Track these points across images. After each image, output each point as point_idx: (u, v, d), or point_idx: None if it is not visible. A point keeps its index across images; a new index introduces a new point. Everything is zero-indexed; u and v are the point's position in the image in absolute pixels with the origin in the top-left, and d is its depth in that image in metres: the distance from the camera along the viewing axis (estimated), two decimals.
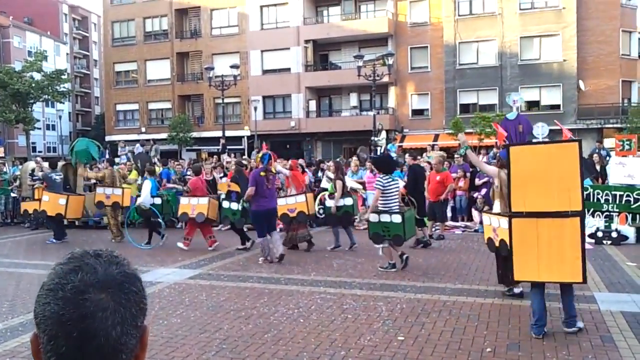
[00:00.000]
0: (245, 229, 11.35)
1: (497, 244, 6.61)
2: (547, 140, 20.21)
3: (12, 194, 16.44)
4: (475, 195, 13.87)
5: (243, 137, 36.13)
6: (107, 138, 39.50)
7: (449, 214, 14.29)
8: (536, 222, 5.46)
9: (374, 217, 8.80)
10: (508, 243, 5.80)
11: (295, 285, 7.81)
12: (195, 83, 39.15)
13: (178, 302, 6.97)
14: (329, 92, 37.07)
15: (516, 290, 7.02)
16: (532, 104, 32.42)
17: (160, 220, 11.96)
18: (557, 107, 31.58)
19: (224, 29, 38.32)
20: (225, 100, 29.72)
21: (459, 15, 32.97)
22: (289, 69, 36.35)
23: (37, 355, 0.94)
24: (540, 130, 24.05)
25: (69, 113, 64.24)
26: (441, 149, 23.25)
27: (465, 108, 33.16)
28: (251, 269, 9.14)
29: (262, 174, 9.62)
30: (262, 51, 36.79)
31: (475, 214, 13.74)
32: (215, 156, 20.78)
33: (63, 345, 0.88)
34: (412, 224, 9.16)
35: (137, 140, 26.33)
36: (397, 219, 8.59)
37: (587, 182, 12.79)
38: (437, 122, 33.79)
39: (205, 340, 5.49)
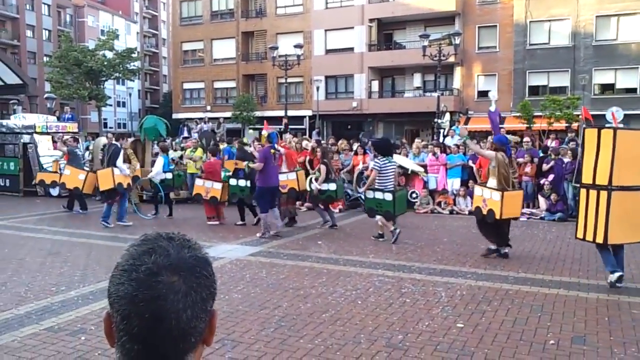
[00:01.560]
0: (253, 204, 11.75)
1: (484, 212, 8.29)
2: (622, 126, 19.32)
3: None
4: (542, 181, 13.40)
5: (305, 116, 36.26)
6: (174, 116, 40.55)
7: None
8: (628, 194, 6.55)
9: (369, 194, 9.88)
10: (496, 212, 8.07)
11: (353, 267, 7.83)
12: (259, 62, 39.52)
13: (239, 278, 7.13)
14: (392, 73, 36.54)
15: (502, 250, 8.36)
16: (607, 87, 30.84)
17: (162, 196, 12.66)
18: (633, 90, 29.93)
19: (289, 7, 38.34)
20: (288, 80, 29.87)
21: None
22: (352, 49, 36.04)
23: (110, 334, 0.96)
24: (616, 115, 22.94)
25: (139, 91, 66.49)
26: (508, 132, 22.50)
27: (534, 90, 31.91)
28: (310, 248, 9.22)
29: (272, 151, 10.27)
30: (325, 30, 36.62)
31: (542, 200, 13.29)
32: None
33: (135, 326, 0.90)
34: (402, 202, 10.15)
35: (202, 119, 26.95)
36: (388, 197, 9.61)
37: None
38: (504, 104, 32.61)
39: (264, 316, 5.60)
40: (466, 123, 31.93)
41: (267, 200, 10.11)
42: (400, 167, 14.29)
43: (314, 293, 6.46)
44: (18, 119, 18.98)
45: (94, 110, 48.78)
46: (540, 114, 26.82)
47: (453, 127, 20.98)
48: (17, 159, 17.20)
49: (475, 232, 10.65)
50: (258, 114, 37.58)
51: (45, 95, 28.90)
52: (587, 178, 6.76)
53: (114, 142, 12.38)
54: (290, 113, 30.74)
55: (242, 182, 11.51)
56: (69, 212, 13.50)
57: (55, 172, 14.41)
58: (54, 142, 16.55)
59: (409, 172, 14.31)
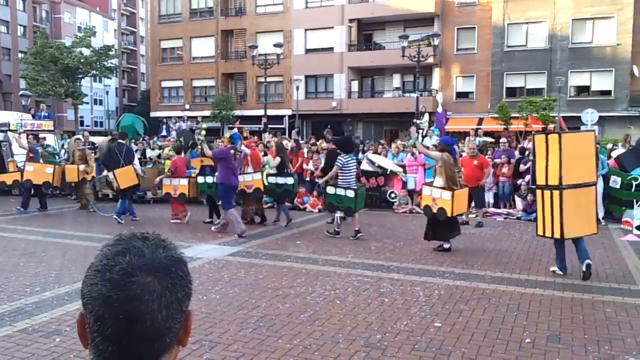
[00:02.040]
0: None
1: (435, 210, 8.83)
2: (591, 128, 19.67)
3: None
4: (519, 182, 13.57)
5: (284, 116, 36.22)
6: (152, 114, 40.16)
7: (491, 200, 14.05)
8: (578, 191, 7.20)
9: (330, 190, 10.21)
10: (447, 210, 8.65)
11: (332, 267, 7.83)
12: (238, 61, 39.35)
13: (217, 279, 7.09)
14: (371, 73, 36.69)
15: (445, 245, 8.88)
16: (582, 90, 31.35)
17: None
18: (607, 92, 30.48)
19: (269, 7, 38.25)
20: (268, 79, 29.77)
21: None
22: (332, 49, 36.10)
23: (84, 335, 0.95)
24: (590, 116, 23.30)
25: (116, 88, 65.67)
26: (485, 133, 22.74)
27: (511, 92, 32.32)
28: (289, 248, 9.21)
29: (232, 152, 10.56)
30: (305, 30, 36.61)
31: (518, 201, 13.45)
32: (254, 135, 20.94)
33: (110, 327, 0.89)
34: (362, 199, 10.47)
35: (180, 117, 26.73)
36: (350, 194, 9.97)
37: (637, 171, 12.34)
38: (481, 105, 33.08)
39: (243, 317, 5.57)
40: (444, 124, 32.18)
41: (230, 197, 10.50)
42: (379, 167, 14.37)
43: (293, 293, 6.46)
44: None
45: (70, 108, 48.07)
46: (517, 115, 27.12)
47: (432, 128, 21.14)
48: None
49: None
50: (237, 113, 37.40)
51: (20, 93, 28.34)
52: (540, 180, 7.43)
53: (121, 141, 12.52)
54: (270, 112, 30.68)
55: (210, 179, 11.61)
56: (25, 212, 13.21)
57: (14, 171, 14.19)
58: (28, 140, 16.26)
59: (388, 172, 14.38)
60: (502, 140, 15.63)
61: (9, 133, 16.93)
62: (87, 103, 52.41)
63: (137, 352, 0.91)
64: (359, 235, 9.96)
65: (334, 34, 35.85)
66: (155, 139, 20.90)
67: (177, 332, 0.96)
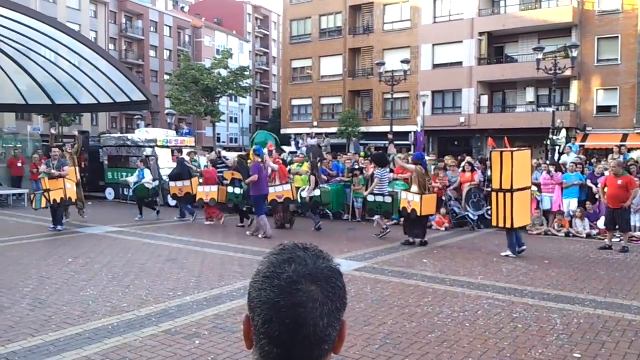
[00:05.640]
0: (244, 209, 13.89)
1: (409, 211, 11.07)
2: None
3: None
4: None
5: (410, 132, 35.98)
6: (282, 131, 41.80)
7: (638, 224, 12.86)
8: (521, 193, 9.98)
9: (370, 198, 12.12)
10: (418, 211, 10.96)
11: (461, 288, 7.61)
12: (365, 79, 39.83)
13: None
14: (502, 87, 35.32)
15: (417, 241, 11.09)
16: None
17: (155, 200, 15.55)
18: None
19: (396, 23, 38.38)
20: (394, 95, 29.80)
21: None
22: (460, 63, 35.30)
23: (249, 336, 1.02)
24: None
25: (250, 107, 69.39)
26: (630, 150, 20.90)
27: None
28: (415, 266, 9.09)
29: (259, 160, 12.02)
30: (433, 45, 36.20)
31: None
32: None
33: (277, 330, 0.95)
34: (397, 204, 11.82)
35: (309, 134, 27.53)
36: (388, 199, 11.87)
37: None
38: (626, 120, 30.50)
39: (369, 332, 5.58)
40: (584, 140, 30.10)
41: (262, 205, 12.00)
42: None
43: (420, 312, 6.36)
44: (142, 133, 20.48)
45: (209, 126, 51.51)
46: None
47: (569, 145, 19.86)
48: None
49: (594, 257, 10.08)
50: (363, 129, 37.80)
51: (166, 112, 30.94)
52: (495, 185, 10.06)
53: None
54: (396, 129, 30.61)
55: (238, 190, 13.38)
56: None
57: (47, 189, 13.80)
58: (173, 154, 17.67)
59: None
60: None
61: (156, 148, 18.53)
62: (224, 121, 55.82)
63: (299, 356, 0.97)
64: (387, 232, 11.93)
65: (462, 48, 35.07)
66: (285, 154, 21.72)
67: (334, 340, 1.01)
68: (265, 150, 13.31)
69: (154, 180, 15.58)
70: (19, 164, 19.91)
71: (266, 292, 0.97)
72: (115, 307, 6.40)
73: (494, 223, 10.26)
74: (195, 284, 7.62)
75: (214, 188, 13.93)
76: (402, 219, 11.95)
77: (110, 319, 5.94)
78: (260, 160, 12.02)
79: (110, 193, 20.13)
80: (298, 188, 15.08)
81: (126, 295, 6.97)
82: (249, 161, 13.18)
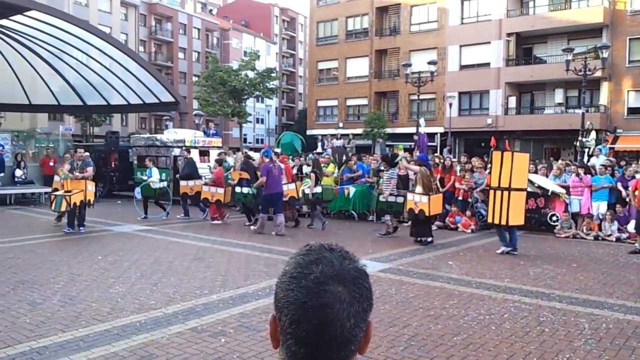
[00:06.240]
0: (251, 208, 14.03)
1: (416, 212, 11.20)
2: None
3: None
4: None
5: (436, 133, 35.71)
6: (308, 132, 41.89)
7: None
8: (517, 193, 10.22)
9: (382, 198, 12.44)
10: (426, 211, 11.09)
11: (487, 290, 7.54)
12: (391, 80, 39.70)
13: None
14: (531, 88, 34.86)
15: (429, 239, 11.19)
16: None
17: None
18: None
19: (423, 24, 38.18)
20: (421, 97, 29.63)
21: None
22: (488, 64, 34.96)
23: (275, 336, 1.04)
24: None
25: (276, 108, 69.78)
26: None
27: None
28: (441, 268, 9.04)
29: (271, 165, 12.24)
30: (460, 46, 35.92)
31: None
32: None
33: (304, 330, 0.97)
34: (406, 204, 11.96)
35: (334, 135, 27.55)
36: (400, 199, 12.14)
37: None
38: None
39: (394, 334, 5.58)
40: (614, 142, 29.51)
41: (269, 204, 12.36)
42: (539, 187, 13.57)
43: (445, 314, 6.33)
44: (170, 134, 20.75)
45: (235, 127, 51.98)
46: None
47: (599, 147, 19.50)
48: (168, 170, 18.78)
49: (623, 261, 9.89)
50: (389, 130, 37.66)
51: (194, 112, 31.32)
52: (494, 183, 10.35)
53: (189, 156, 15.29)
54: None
55: (245, 190, 13.74)
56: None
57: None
58: (201, 155, 17.85)
59: (549, 193, 13.52)
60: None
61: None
62: (250, 122, 56.21)
63: (326, 356, 0.98)
64: (391, 235, 12.13)
65: (490, 49, 34.72)
66: (310, 155, 21.79)
67: (360, 340, 1.01)
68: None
69: (164, 179, 15.74)
70: (51, 163, 20.34)
71: (293, 293, 0.98)
72: (143, 304, 6.51)
73: (490, 219, 10.59)
74: (221, 282, 7.70)
75: (220, 190, 14.14)
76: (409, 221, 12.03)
77: (138, 316, 6.05)
78: (269, 161, 12.32)
79: (138, 192, 20.40)
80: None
81: (154, 292, 7.08)
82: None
